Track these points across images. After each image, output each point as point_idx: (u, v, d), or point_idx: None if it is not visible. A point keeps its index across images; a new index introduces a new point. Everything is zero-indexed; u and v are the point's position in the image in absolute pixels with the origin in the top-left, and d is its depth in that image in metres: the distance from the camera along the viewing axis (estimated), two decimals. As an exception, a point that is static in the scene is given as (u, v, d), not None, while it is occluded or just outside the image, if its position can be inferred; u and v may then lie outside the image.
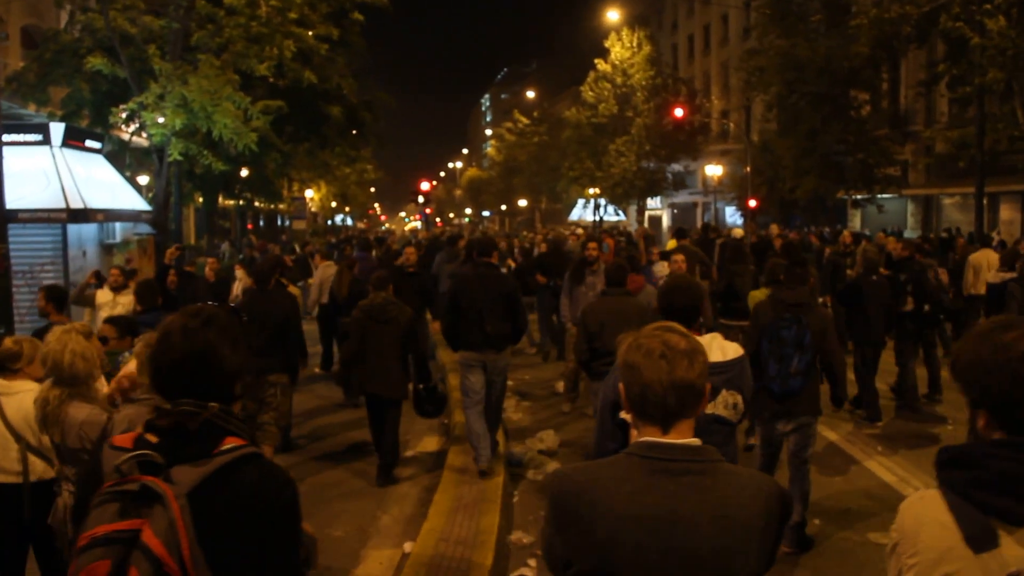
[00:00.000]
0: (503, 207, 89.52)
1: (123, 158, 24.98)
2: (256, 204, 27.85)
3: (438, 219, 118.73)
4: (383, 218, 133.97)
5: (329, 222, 72.97)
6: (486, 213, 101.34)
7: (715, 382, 3.73)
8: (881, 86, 34.76)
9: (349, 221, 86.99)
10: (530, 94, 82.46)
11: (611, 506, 2.18)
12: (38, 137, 16.45)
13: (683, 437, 2.24)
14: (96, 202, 16.16)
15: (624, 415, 2.42)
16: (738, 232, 20.66)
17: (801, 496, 6.40)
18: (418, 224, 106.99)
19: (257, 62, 19.01)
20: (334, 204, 68.74)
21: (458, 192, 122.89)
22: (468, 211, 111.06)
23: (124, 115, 18.27)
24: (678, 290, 4.20)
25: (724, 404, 3.88)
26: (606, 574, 2.20)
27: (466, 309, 8.13)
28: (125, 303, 9.76)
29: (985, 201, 26.42)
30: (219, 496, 2.18)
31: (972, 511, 1.91)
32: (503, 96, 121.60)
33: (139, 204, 19.81)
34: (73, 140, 17.35)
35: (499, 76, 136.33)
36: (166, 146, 18.62)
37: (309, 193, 53.35)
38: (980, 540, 1.89)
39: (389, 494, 7.92)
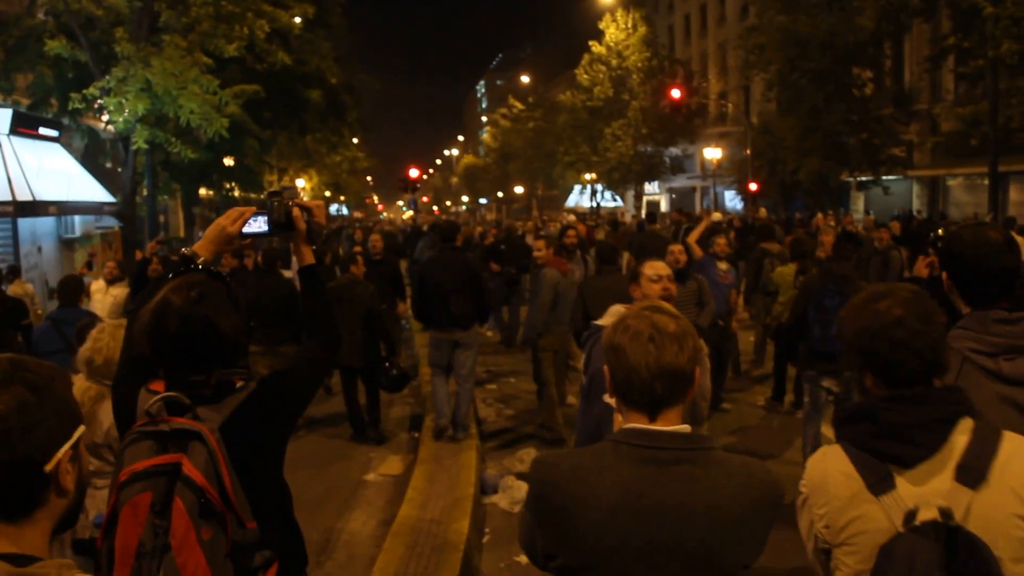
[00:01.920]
0: (499, 194, 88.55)
1: (99, 148, 23.84)
2: (236, 194, 26.60)
3: (435, 207, 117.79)
4: (380, 207, 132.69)
5: (329, 211, 71.66)
6: (483, 200, 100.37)
7: None
8: (884, 63, 33.55)
9: (345, 211, 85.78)
10: (525, 79, 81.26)
11: (597, 497, 2.10)
12: (-19, 125, 15.29)
13: (671, 424, 2.15)
14: (48, 194, 15.08)
15: (608, 399, 2.44)
16: (717, 215, 21.35)
17: None
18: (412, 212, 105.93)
19: (226, 42, 17.89)
20: (328, 193, 67.54)
21: (454, 180, 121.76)
22: (465, 199, 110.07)
23: (84, 101, 17.03)
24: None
25: None
26: (593, 567, 2.12)
27: (432, 291, 8.79)
28: (117, 294, 9.89)
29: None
30: (242, 428, 2.49)
31: (870, 460, 2.14)
32: (498, 82, 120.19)
33: (101, 196, 18.70)
34: (24, 127, 16.18)
35: (494, 62, 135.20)
36: (131, 133, 17.54)
37: (300, 183, 52.22)
38: (879, 485, 2.10)
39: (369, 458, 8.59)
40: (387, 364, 8.98)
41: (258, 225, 2.86)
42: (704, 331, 8.75)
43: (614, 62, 47.91)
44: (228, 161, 25.27)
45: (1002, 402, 2.54)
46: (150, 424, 2.41)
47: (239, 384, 2.60)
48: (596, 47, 48.94)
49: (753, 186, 34.97)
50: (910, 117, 34.36)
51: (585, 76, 49.27)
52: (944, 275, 2.82)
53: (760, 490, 2.15)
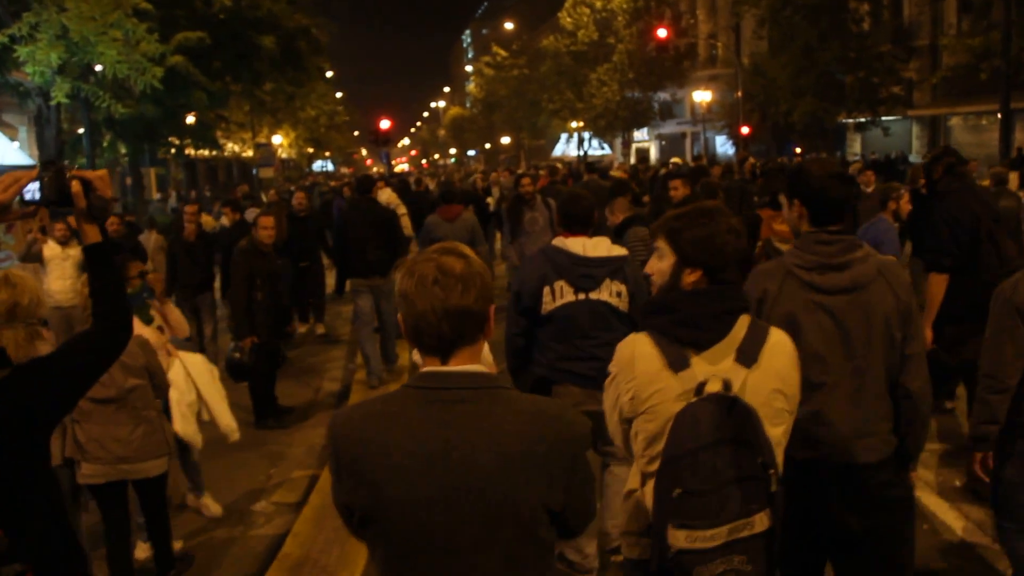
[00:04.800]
0: (487, 146, 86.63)
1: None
2: (187, 152, 24.73)
3: (424, 160, 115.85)
4: (369, 162, 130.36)
5: (307, 170, 69.64)
6: (471, 152, 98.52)
7: (597, 272, 4.48)
8: (883, -5, 31.61)
9: (330, 167, 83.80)
10: (509, 26, 78.90)
11: (384, 443, 2.07)
12: None
13: (464, 365, 2.13)
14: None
15: (415, 356, 2.34)
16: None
17: None
18: (405, 166, 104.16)
19: (156, -21, 16.01)
20: (310, 150, 65.59)
21: (441, 132, 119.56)
22: (452, 151, 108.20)
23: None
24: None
25: (609, 292, 4.49)
26: (385, 515, 2.08)
27: (351, 240, 9.24)
28: (74, 255, 9.42)
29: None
30: None
31: (669, 344, 2.60)
32: (484, 31, 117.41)
33: (15, 158, 16.90)
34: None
35: (479, 10, 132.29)
36: (51, 87, 15.74)
37: (277, 139, 50.22)
38: (677, 363, 2.57)
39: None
40: (234, 349, 7.96)
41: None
42: None
43: (598, 4, 46.07)
44: (190, 118, 23.41)
45: (814, 306, 3.10)
46: None
47: None
48: (579, -12, 46.96)
49: (745, 130, 33.20)
50: (910, 54, 32.44)
51: (568, 19, 47.53)
52: (796, 201, 3.22)
53: (551, 427, 2.09)
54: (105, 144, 22.07)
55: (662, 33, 35.51)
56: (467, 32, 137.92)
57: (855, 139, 36.63)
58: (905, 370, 3.12)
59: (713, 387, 2.49)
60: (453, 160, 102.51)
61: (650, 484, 2.57)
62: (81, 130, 20.89)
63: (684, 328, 2.59)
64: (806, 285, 3.08)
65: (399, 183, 18.71)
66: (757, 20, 32.47)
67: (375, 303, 9.29)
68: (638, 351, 2.61)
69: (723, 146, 45.46)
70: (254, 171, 53.06)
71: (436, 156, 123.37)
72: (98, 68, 16.26)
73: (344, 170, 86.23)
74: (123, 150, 23.07)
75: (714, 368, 2.55)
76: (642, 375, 2.58)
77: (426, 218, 9.98)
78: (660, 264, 2.74)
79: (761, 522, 2.46)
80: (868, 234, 6.63)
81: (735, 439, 2.43)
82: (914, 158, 31.35)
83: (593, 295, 4.44)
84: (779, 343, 2.67)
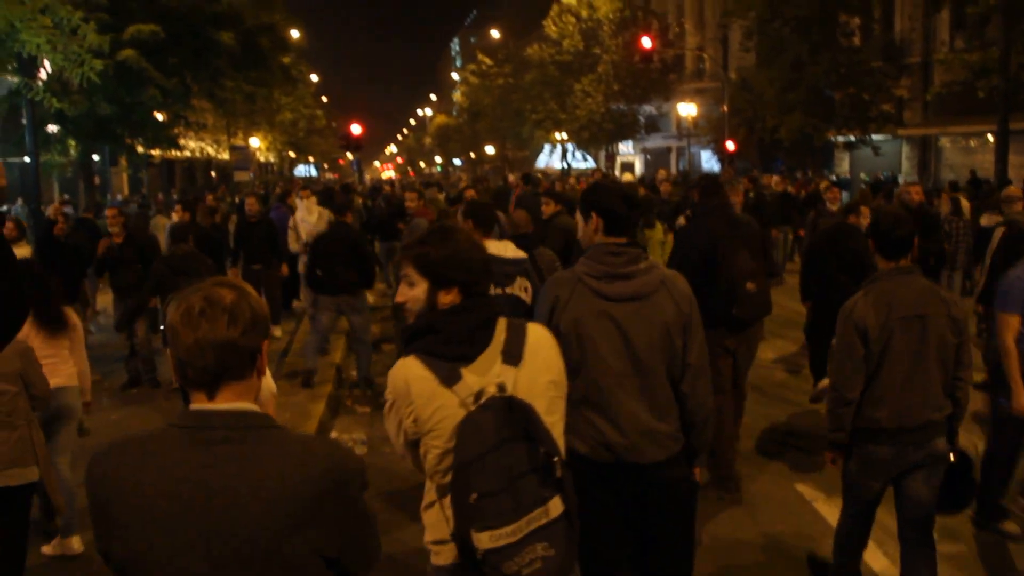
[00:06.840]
0: (472, 155, 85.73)
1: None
2: (149, 152, 23.51)
3: (409, 168, 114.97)
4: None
5: (286, 175, 68.43)
6: (457, 162, 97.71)
7: (511, 271, 5.02)
8: (874, 11, 30.65)
9: (314, 172, 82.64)
10: (495, 34, 78.08)
11: (138, 484, 1.92)
12: None
13: (232, 402, 2.00)
14: None
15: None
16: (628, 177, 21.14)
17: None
18: (392, 174, 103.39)
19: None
20: (292, 154, 64.57)
21: (427, 140, 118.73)
22: (438, 159, 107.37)
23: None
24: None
25: (520, 288, 5.05)
26: (139, 564, 1.92)
27: (321, 258, 9.55)
28: (21, 255, 9.12)
29: (992, 140, 22.45)
30: None
31: (438, 362, 2.68)
32: (472, 39, 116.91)
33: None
34: None
35: (468, 19, 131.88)
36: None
37: (255, 141, 48.99)
38: (450, 379, 2.66)
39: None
40: None
41: None
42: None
43: (584, 13, 45.19)
44: (159, 116, 22.15)
45: (600, 313, 3.32)
46: None
47: None
48: (565, -3, 46.14)
49: (731, 145, 32.23)
50: (900, 71, 31.50)
51: (554, 28, 46.61)
52: (594, 214, 3.43)
53: (320, 469, 1.97)
54: (56, 146, 20.88)
55: (647, 42, 34.52)
56: (455, 40, 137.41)
57: (843, 158, 35.70)
58: (685, 377, 3.39)
59: (490, 391, 2.62)
60: (439, 168, 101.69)
61: (448, 496, 2.68)
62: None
63: (450, 345, 2.69)
64: (594, 292, 3.34)
65: (367, 206, 18.67)
66: (744, 32, 31.51)
67: (349, 319, 9.90)
68: (410, 375, 2.68)
69: (708, 161, 44.51)
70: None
71: (422, 164, 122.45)
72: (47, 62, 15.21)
73: (329, 176, 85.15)
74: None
75: (485, 375, 2.68)
76: (419, 397, 2.66)
77: (416, 221, 10.45)
78: (413, 292, 2.81)
79: (555, 507, 2.56)
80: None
81: (519, 436, 2.55)
82: (904, 179, 30.43)
83: (508, 290, 5.03)
84: (539, 337, 2.85)
